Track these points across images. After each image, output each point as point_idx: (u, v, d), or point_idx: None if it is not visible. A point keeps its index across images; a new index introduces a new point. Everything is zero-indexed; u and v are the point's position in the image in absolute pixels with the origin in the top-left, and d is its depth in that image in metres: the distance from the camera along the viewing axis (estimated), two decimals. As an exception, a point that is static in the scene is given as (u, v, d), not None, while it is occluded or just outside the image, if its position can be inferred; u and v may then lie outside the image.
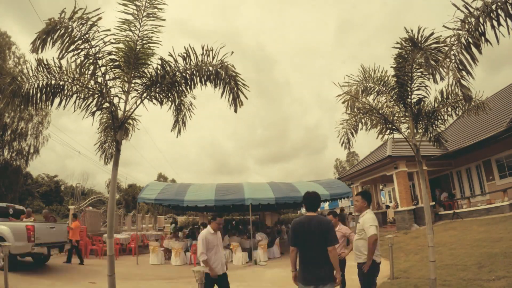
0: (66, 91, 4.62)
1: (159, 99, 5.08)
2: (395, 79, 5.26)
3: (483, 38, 3.43)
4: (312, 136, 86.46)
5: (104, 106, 4.67)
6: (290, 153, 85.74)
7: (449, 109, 5.41)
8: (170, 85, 4.92)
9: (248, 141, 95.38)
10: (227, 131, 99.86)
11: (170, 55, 4.71)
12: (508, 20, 3.19)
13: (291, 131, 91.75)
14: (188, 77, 4.91)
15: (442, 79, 4.14)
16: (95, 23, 4.11)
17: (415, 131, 5.47)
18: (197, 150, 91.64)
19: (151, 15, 4.53)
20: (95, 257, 12.12)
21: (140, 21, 4.52)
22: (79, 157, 44.69)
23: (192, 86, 5.00)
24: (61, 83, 4.56)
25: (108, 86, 4.64)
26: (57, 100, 4.65)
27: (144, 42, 4.67)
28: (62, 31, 4.02)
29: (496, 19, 3.25)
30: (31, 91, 4.47)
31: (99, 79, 4.58)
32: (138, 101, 4.84)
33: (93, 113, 4.73)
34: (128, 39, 4.57)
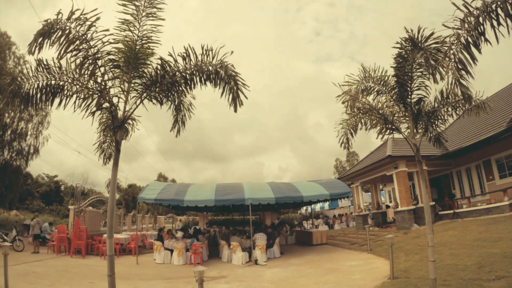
0: (66, 91, 4.62)
1: (159, 99, 5.08)
2: (395, 79, 5.27)
3: (482, 37, 3.43)
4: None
5: (104, 106, 4.67)
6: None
7: (450, 109, 5.41)
8: (170, 85, 4.92)
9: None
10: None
11: (170, 55, 4.72)
12: (508, 20, 3.19)
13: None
14: (188, 77, 4.91)
15: (442, 79, 4.13)
16: (94, 23, 4.10)
17: (415, 131, 5.47)
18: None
19: (150, 15, 4.52)
20: (95, 257, 12.13)
21: (140, 21, 4.51)
22: (79, 157, 44.75)
23: (192, 86, 5.00)
24: (61, 83, 4.55)
25: (108, 86, 4.64)
26: (57, 100, 4.64)
27: (143, 42, 4.66)
28: (60, 32, 4.02)
29: (496, 18, 3.25)
30: (31, 91, 4.47)
31: (99, 79, 4.58)
32: (138, 101, 4.84)
33: (93, 113, 4.73)
34: (127, 39, 4.57)
